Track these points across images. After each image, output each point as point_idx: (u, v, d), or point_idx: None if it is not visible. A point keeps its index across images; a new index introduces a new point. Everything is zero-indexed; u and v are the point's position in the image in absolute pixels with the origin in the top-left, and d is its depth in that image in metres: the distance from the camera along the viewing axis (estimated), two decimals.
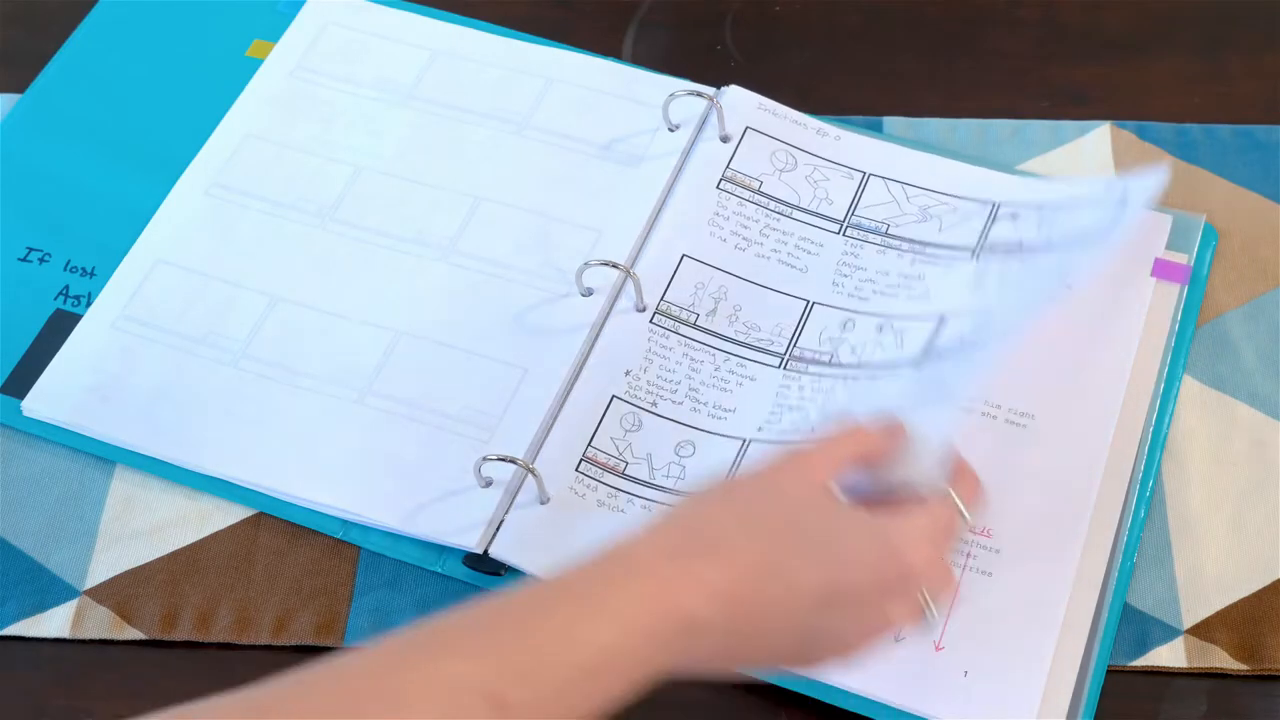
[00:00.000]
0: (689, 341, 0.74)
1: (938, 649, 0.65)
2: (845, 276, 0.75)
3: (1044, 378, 0.72)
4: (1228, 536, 0.68)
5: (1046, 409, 0.71)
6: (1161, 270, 0.75)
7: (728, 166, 0.79)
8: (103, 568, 0.69)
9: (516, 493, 0.69)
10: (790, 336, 0.73)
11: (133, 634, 0.68)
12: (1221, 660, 0.65)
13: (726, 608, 0.52)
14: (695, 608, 0.51)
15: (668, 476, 0.70)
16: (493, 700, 0.48)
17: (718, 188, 0.78)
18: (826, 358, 0.72)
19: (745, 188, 0.79)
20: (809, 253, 0.76)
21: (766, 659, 0.57)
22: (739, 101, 0.81)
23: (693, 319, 0.74)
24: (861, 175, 0.79)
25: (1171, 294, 0.75)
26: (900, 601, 0.56)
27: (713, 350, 0.73)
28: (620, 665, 0.51)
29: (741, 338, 0.74)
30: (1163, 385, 0.72)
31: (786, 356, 0.73)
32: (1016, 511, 0.68)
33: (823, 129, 0.81)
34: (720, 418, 0.71)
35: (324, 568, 0.69)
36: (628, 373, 0.72)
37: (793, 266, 0.76)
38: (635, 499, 0.69)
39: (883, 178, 0.79)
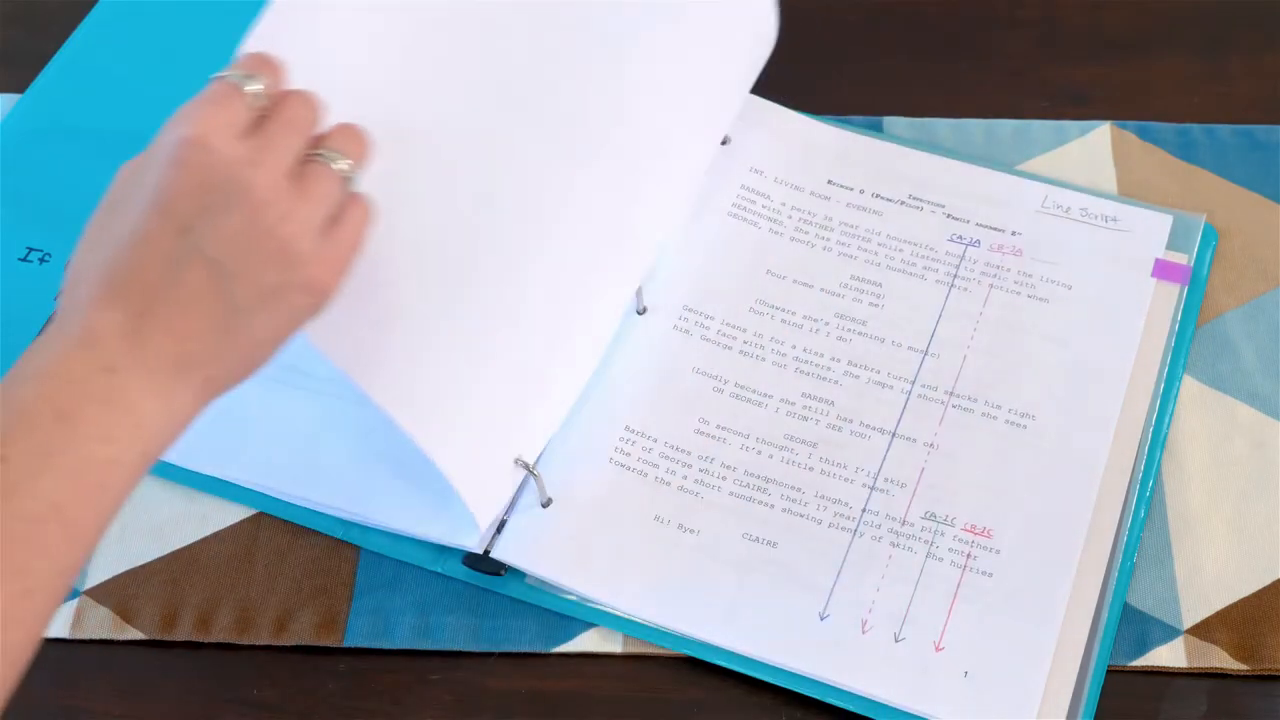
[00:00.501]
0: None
1: (938, 649, 0.65)
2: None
3: (1044, 378, 0.72)
4: (1227, 536, 0.68)
5: (1047, 410, 0.71)
6: (1162, 271, 0.75)
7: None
8: (102, 568, 0.69)
9: (518, 493, 0.69)
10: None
11: (133, 634, 0.68)
12: (1221, 660, 0.65)
13: (99, 290, 0.53)
14: (91, 318, 0.52)
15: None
16: None
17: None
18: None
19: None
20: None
21: (220, 303, 0.54)
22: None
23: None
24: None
25: (1171, 294, 0.75)
26: (244, 171, 0.54)
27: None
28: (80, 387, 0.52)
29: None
30: (1163, 385, 0.72)
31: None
32: (1016, 511, 0.68)
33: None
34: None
35: (324, 568, 0.69)
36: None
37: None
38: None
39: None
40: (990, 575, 0.67)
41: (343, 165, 0.57)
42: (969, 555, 0.67)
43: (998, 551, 0.67)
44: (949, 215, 0.78)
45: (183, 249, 0.53)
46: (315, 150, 0.57)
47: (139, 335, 0.53)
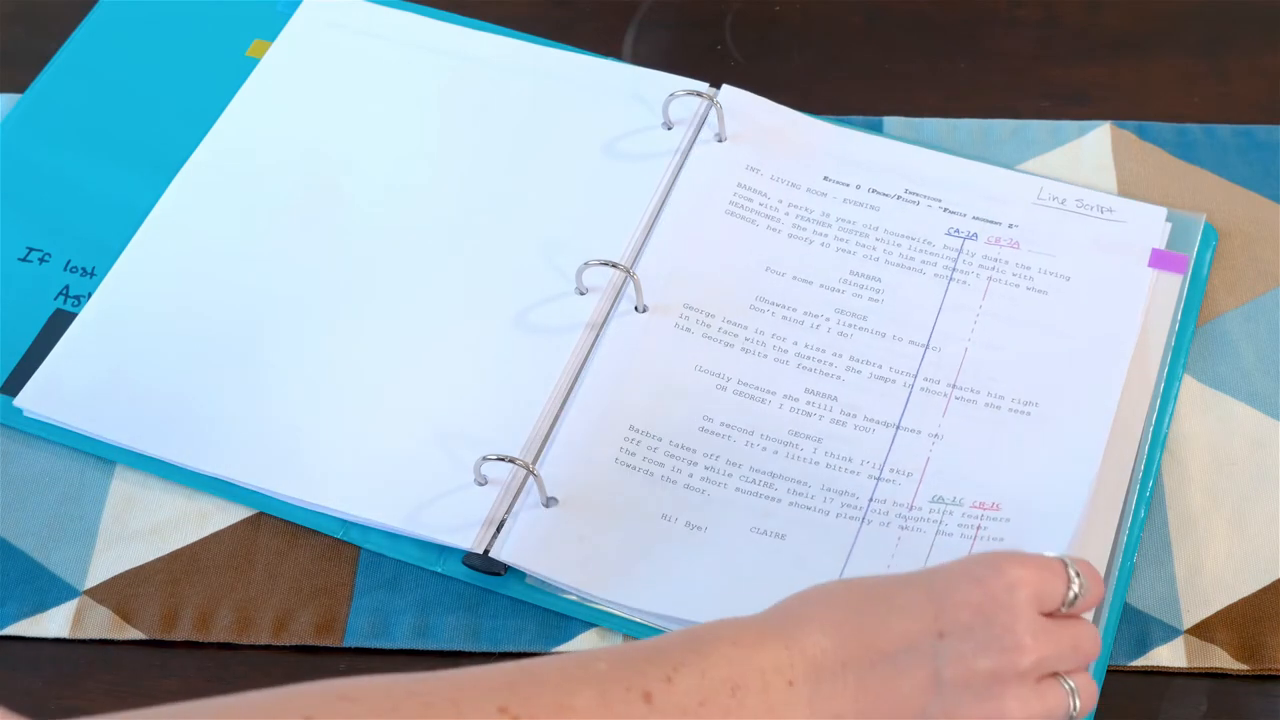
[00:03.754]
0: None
1: None
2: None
3: (1046, 369, 0.72)
4: (1228, 536, 0.68)
5: (1049, 399, 0.71)
6: (1159, 261, 0.75)
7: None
8: (103, 568, 0.69)
9: (518, 494, 0.69)
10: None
11: (133, 634, 0.68)
12: (1221, 660, 0.65)
13: (833, 615, 0.55)
14: (807, 631, 0.54)
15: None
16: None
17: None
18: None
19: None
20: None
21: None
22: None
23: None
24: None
25: (1171, 289, 0.75)
26: (1022, 635, 0.54)
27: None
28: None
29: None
30: (1163, 385, 0.72)
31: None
32: (1017, 510, 0.68)
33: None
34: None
35: (324, 568, 0.69)
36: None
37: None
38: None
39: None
40: (1001, 541, 0.66)
41: (1073, 707, 0.56)
42: (979, 527, 0.67)
43: (1008, 520, 0.67)
44: (946, 209, 0.78)
45: (925, 647, 0.54)
46: (1067, 678, 0.56)
47: (833, 676, 0.54)
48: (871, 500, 0.69)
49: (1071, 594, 0.56)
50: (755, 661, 0.53)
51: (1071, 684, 0.56)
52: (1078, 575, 0.56)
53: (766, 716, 0.53)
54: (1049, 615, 0.56)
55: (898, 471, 0.69)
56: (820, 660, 0.54)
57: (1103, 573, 0.66)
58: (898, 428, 0.71)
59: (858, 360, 0.73)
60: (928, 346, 0.73)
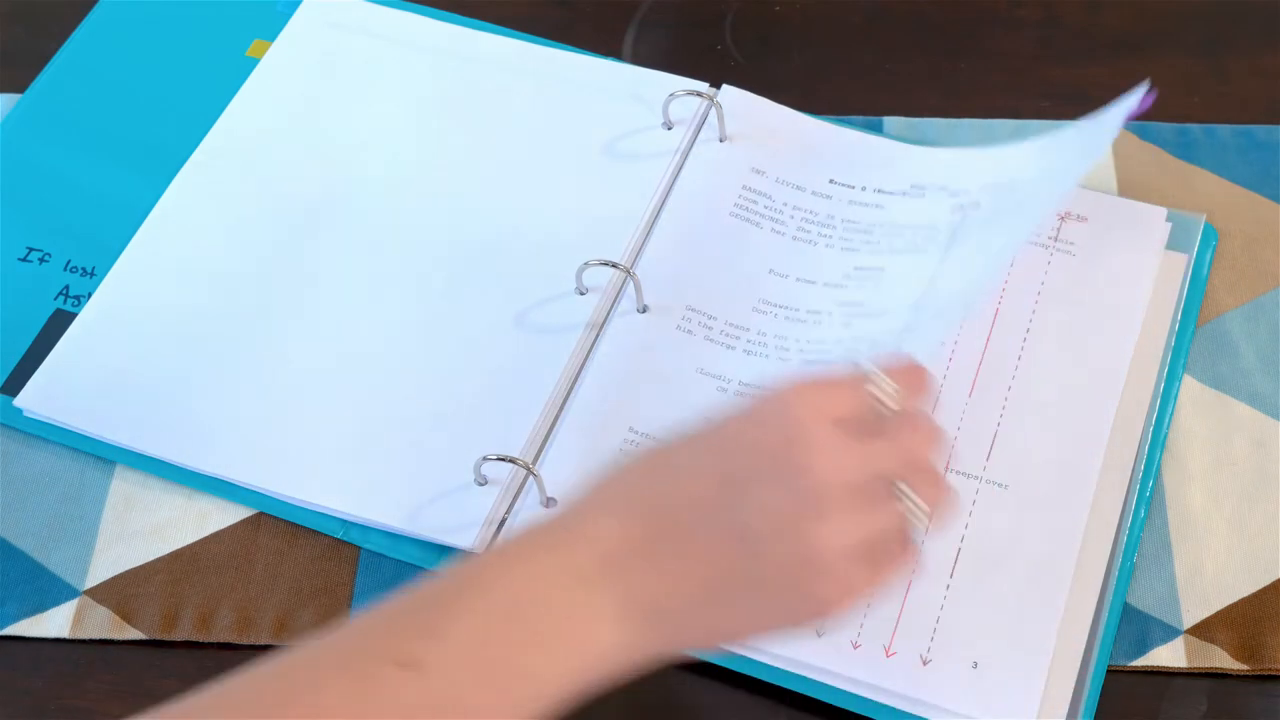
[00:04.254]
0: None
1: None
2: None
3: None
4: (1228, 536, 0.68)
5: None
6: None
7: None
8: (103, 568, 0.69)
9: (518, 494, 0.69)
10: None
11: (133, 634, 0.68)
12: (1221, 660, 0.65)
13: (620, 494, 0.51)
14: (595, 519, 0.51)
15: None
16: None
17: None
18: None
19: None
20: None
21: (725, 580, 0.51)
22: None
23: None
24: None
25: (1173, 287, 0.74)
26: (812, 457, 0.50)
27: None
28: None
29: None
30: (1163, 385, 0.72)
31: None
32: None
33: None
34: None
35: (324, 568, 0.69)
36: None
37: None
38: None
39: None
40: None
41: (914, 510, 0.52)
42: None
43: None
44: (953, 199, 0.77)
45: (722, 504, 0.50)
46: (899, 483, 0.52)
47: (632, 558, 0.50)
48: None
49: (880, 396, 0.52)
50: (544, 573, 0.49)
51: (910, 493, 0.51)
52: (877, 374, 0.52)
53: (570, 629, 0.49)
54: (868, 430, 0.51)
55: None
56: (615, 546, 0.50)
57: (1102, 573, 0.66)
58: None
59: (860, 341, 0.72)
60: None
